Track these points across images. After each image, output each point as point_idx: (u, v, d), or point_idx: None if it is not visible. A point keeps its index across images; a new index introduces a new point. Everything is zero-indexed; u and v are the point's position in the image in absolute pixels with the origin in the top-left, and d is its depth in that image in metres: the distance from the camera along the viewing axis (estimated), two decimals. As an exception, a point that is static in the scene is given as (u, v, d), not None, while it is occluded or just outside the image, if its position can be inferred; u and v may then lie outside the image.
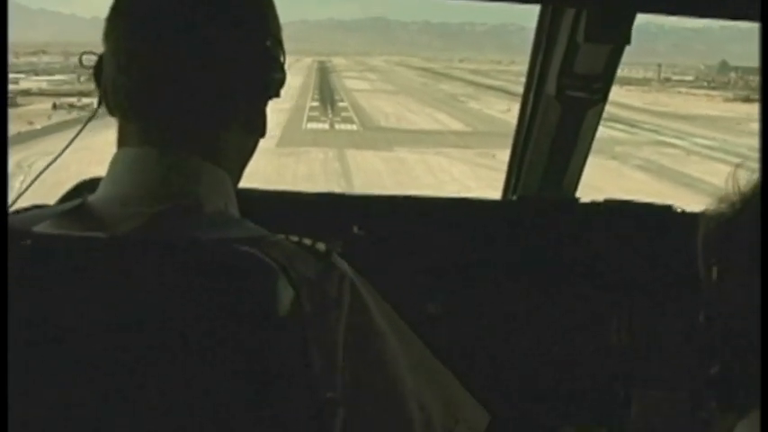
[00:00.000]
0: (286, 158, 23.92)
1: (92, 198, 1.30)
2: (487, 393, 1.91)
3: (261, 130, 1.41)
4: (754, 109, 51.79)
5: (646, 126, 38.52)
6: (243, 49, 1.33)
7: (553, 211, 2.65)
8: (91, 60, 1.38)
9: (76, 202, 1.29)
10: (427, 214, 2.60)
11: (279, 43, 1.38)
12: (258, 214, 1.33)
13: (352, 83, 67.12)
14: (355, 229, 2.52)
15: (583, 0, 2.18)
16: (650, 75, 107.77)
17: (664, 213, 2.60)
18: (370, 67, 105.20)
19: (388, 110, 42.51)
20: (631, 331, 2.53)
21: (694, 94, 70.44)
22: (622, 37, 2.24)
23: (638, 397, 2.42)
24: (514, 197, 2.80)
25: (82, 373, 1.12)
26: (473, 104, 48.49)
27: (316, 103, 45.09)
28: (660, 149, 29.78)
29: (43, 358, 1.12)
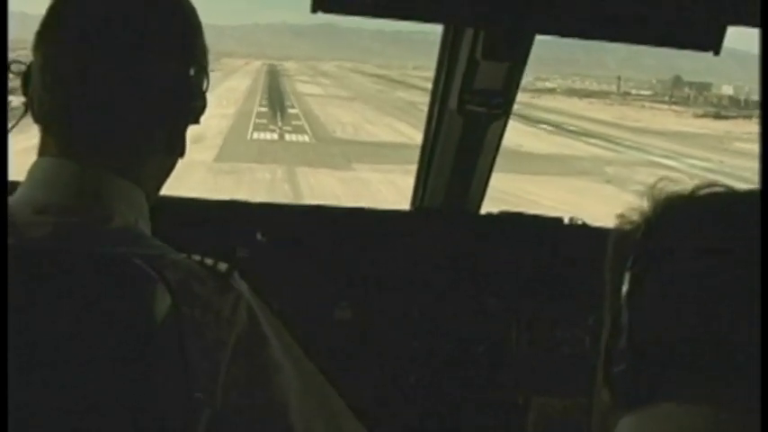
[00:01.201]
0: (224, 178, 20.49)
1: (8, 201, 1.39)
2: (388, 397, 2.52)
3: (180, 152, 1.49)
4: (729, 126, 51.50)
5: (627, 143, 37.01)
6: (166, 77, 1.42)
7: (452, 222, 2.79)
8: (20, 68, 1.46)
9: None
10: (332, 223, 2.69)
11: (203, 70, 1.47)
12: (164, 221, 1.45)
13: (304, 87, 65.07)
14: (258, 236, 2.57)
15: (479, 20, 2.17)
16: (605, 87, 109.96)
17: (554, 225, 2.71)
18: (322, 72, 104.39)
19: (345, 119, 39.78)
20: (531, 339, 2.57)
21: (659, 109, 71.45)
22: (519, 56, 2.36)
23: (536, 404, 2.41)
24: (414, 208, 2.95)
25: None
26: (436, 114, 44.89)
27: (264, 109, 42.61)
28: (657, 172, 26.44)
29: None
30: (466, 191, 2.81)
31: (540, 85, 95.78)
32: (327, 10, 1.84)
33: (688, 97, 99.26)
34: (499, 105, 2.52)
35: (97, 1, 1.41)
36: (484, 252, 2.67)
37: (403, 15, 1.96)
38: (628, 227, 1.19)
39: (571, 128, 42.12)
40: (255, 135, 30.85)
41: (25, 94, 1.45)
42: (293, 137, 31.53)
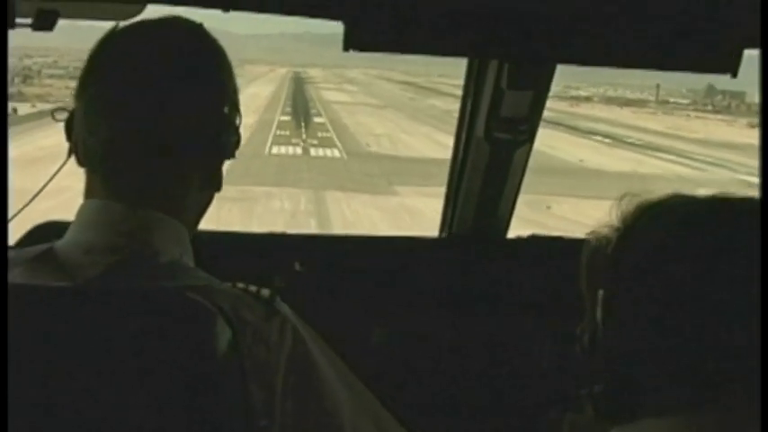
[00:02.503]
0: (231, 208, 16.54)
1: (59, 244, 1.47)
2: (426, 416, 2.41)
3: (217, 186, 1.56)
4: (795, 138, 46.72)
5: (707, 159, 33.23)
6: (202, 116, 1.49)
7: (481, 247, 2.86)
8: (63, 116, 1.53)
9: (45, 247, 1.47)
10: (365, 251, 2.76)
11: (235, 107, 1.54)
12: (205, 255, 1.53)
13: (331, 94, 62.22)
14: (297, 266, 2.64)
15: (504, 54, 2.27)
16: (639, 95, 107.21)
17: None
18: (348, 79, 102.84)
19: (377, 129, 36.72)
20: (563, 356, 2.60)
21: (707, 119, 67.14)
22: (543, 84, 2.49)
23: (568, 419, 2.35)
24: (444, 234, 2.99)
25: (50, 412, 1.30)
26: (478, 124, 41.18)
27: (286, 118, 39.90)
28: (762, 196, 22.17)
29: (18, 400, 1.28)
30: (494, 215, 2.86)
31: (573, 93, 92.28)
32: (358, 48, 1.97)
33: (729, 105, 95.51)
34: (524, 132, 2.60)
35: (136, 46, 1.48)
36: (514, 274, 2.72)
37: (429, 51, 2.09)
38: (599, 242, 1.21)
39: (630, 140, 38.93)
40: (275, 149, 27.96)
41: (69, 139, 1.51)
42: (320, 151, 28.51)
